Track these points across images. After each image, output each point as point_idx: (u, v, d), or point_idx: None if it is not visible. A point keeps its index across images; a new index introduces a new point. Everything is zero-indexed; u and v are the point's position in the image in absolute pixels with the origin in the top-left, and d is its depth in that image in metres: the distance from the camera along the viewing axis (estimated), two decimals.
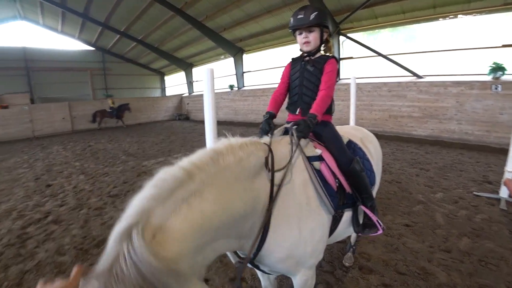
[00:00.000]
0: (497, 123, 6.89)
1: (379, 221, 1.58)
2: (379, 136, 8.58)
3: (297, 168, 1.35)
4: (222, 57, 16.21)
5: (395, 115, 8.96)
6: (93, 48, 20.58)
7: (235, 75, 15.50)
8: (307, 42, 1.66)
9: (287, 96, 1.84)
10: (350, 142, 1.79)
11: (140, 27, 15.41)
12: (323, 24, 1.62)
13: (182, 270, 0.77)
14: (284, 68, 1.85)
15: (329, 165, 1.45)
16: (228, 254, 1.35)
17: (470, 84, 7.38)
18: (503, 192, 3.72)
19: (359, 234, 1.64)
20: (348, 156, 1.54)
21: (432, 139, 7.89)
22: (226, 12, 11.73)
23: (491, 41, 7.64)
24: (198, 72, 19.37)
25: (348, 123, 4.70)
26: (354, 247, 2.58)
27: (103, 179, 5.60)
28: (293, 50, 12.52)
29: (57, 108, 15.09)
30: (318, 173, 1.40)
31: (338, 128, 1.97)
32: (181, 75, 20.95)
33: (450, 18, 8.19)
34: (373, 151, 2.00)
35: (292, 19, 1.65)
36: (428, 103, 8.24)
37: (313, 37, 1.65)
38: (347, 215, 1.54)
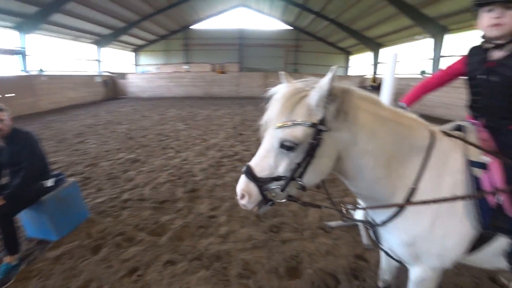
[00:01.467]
0: None
1: None
2: None
3: (452, 166, 1.25)
4: (419, 36, 13.95)
5: None
6: (291, 28, 23.38)
7: (432, 59, 13.13)
8: (498, 25, 1.20)
9: (469, 96, 1.49)
10: None
11: (335, 6, 15.81)
12: None
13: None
14: (461, 58, 1.49)
15: (493, 178, 1.20)
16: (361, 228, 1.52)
17: None
18: None
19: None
20: None
21: None
22: None
23: None
24: (386, 53, 17.82)
25: None
26: None
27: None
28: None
29: (256, 77, 18.63)
30: (476, 181, 1.21)
31: None
32: (366, 56, 20.06)
33: None
34: None
35: None
36: None
37: (510, 17, 1.18)
38: (502, 241, 1.24)
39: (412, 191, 1.21)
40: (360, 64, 21.95)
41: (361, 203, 1.46)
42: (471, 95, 1.48)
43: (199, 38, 24.06)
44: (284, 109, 1.07)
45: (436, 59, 12.87)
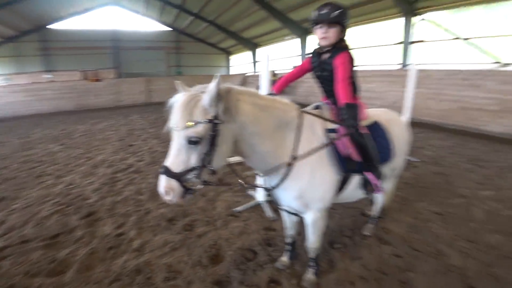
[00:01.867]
0: None
1: (379, 185, 1.93)
2: (443, 129, 8.21)
3: (317, 134, 1.80)
4: (288, 37, 16.27)
5: (466, 106, 8.13)
6: (170, 29, 22.73)
7: (300, 56, 15.56)
8: (325, 37, 1.80)
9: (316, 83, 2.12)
10: (375, 123, 2.07)
11: (212, 8, 16.42)
12: (343, 23, 1.78)
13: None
14: (304, 61, 2.14)
15: (342, 138, 1.80)
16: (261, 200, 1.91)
17: None
18: None
19: (367, 195, 2.03)
20: (358, 132, 1.82)
21: (505, 137, 7.04)
22: None
23: None
24: (262, 52, 19.84)
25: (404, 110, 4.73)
26: (375, 220, 2.87)
27: None
28: (362, 31, 11.99)
29: (137, 83, 17.33)
30: (332, 142, 1.79)
31: (371, 110, 2.26)
32: (246, 55, 21.73)
33: None
34: (396, 133, 2.19)
35: (314, 13, 1.81)
36: (510, 96, 7.28)
37: (332, 33, 1.78)
38: (355, 179, 1.91)
39: (294, 157, 1.68)
40: (241, 63, 23.56)
41: (260, 176, 1.92)
42: (318, 84, 2.10)
43: (62, 41, 19.91)
44: (185, 113, 1.37)
45: (304, 56, 15.34)
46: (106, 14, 21.16)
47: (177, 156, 1.40)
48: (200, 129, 1.36)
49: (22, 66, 19.36)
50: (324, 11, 1.76)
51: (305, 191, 1.75)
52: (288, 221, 2.29)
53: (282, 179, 1.72)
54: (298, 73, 2.21)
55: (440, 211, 3.30)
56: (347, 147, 1.80)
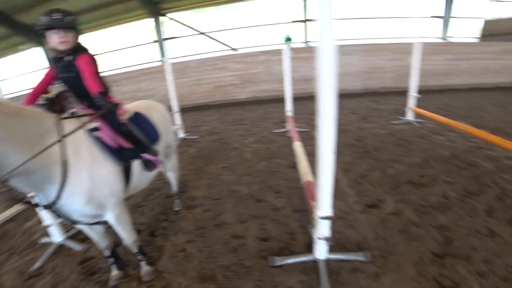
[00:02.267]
0: (293, 79, 9.27)
1: (157, 160, 2.20)
2: (210, 106, 9.91)
3: (80, 137, 1.74)
4: (25, 47, 12.66)
5: (220, 85, 10.26)
6: None
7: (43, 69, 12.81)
8: (64, 42, 1.77)
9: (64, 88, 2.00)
10: (136, 113, 2.25)
11: None
12: (77, 28, 1.82)
13: None
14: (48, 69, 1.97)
15: (106, 132, 1.86)
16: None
17: (272, 53, 9.39)
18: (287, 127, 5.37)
19: (148, 171, 2.18)
20: (118, 123, 1.94)
21: (252, 100, 9.70)
22: None
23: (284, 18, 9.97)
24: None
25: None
26: (178, 195, 3.20)
27: None
28: (117, 32, 11.60)
29: None
30: (98, 138, 1.81)
31: (130, 104, 2.44)
32: None
33: None
34: (157, 116, 2.51)
35: (46, 18, 1.72)
36: (244, 71, 9.92)
37: (70, 37, 1.79)
38: (136, 164, 2.05)
39: (64, 163, 1.58)
40: None
41: (39, 197, 1.65)
42: (67, 88, 1.97)
43: None
44: None
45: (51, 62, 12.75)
46: None
47: None
48: None
49: None
50: (58, 16, 1.71)
51: (91, 192, 1.70)
52: (93, 235, 2.10)
53: (61, 187, 1.57)
54: (45, 82, 1.98)
55: (224, 165, 4.18)
56: (115, 139, 1.89)
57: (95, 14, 10.94)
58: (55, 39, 1.76)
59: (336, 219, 2.30)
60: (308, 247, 2.18)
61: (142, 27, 11.58)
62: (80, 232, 2.90)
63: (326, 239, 1.94)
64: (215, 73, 10.24)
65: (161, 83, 10.83)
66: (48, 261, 2.63)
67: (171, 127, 2.81)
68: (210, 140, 5.66)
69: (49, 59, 1.78)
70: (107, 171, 1.79)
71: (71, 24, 1.76)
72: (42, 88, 1.97)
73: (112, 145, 1.85)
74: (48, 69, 1.96)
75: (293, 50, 8.52)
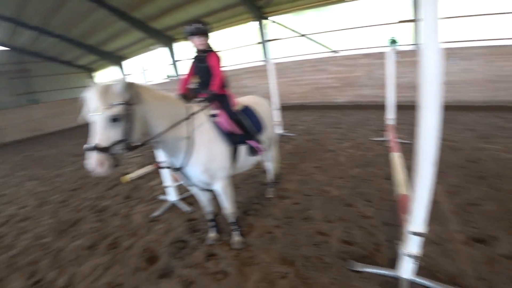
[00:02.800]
0: (398, 85, 8.55)
1: (259, 147, 2.65)
2: (307, 107, 10.14)
3: (203, 120, 2.35)
4: (154, 47, 15.95)
5: (319, 87, 10.36)
6: (7, 49, 18.32)
7: (173, 64, 15.57)
8: (203, 43, 2.47)
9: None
10: (245, 106, 2.79)
11: (59, 21, 14.29)
12: (208, 33, 2.50)
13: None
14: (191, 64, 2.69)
15: (223, 119, 2.43)
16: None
17: (375, 56, 8.95)
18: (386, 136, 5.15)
19: (251, 156, 2.65)
20: (233, 112, 2.53)
21: (350, 104, 9.46)
22: (151, 2, 11.68)
23: (390, 18, 9.26)
24: (132, 64, 18.71)
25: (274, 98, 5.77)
26: (273, 184, 3.64)
27: (57, 180, 5.82)
28: (226, 35, 13.12)
29: None
30: (217, 123, 2.40)
31: (240, 98, 2.98)
32: (112, 70, 19.97)
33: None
34: (262, 110, 2.99)
35: (191, 27, 2.40)
36: (344, 74, 9.74)
37: (205, 40, 2.48)
38: (243, 148, 2.56)
39: (191, 139, 2.20)
40: (108, 79, 21.32)
41: (166, 158, 2.33)
42: (198, 78, 2.63)
43: None
44: (104, 98, 1.71)
45: (175, 64, 15.43)
46: None
47: (103, 134, 1.71)
48: (118, 109, 1.73)
49: None
50: (199, 25, 2.42)
51: (208, 164, 2.25)
52: (203, 199, 2.74)
53: (186, 156, 2.19)
54: (190, 73, 2.69)
55: (318, 165, 4.40)
56: (229, 125, 2.44)
57: (207, 20, 12.58)
58: (196, 42, 2.46)
59: (429, 242, 2.24)
60: (392, 263, 2.11)
61: (247, 30, 12.69)
62: (188, 197, 3.76)
63: (415, 257, 1.84)
64: (314, 74, 10.40)
65: (263, 81, 11.71)
66: (164, 213, 3.51)
67: (272, 122, 3.27)
68: (306, 139, 5.96)
69: (193, 58, 2.61)
70: (220, 149, 2.34)
71: (206, 31, 2.46)
72: (189, 76, 2.70)
73: (226, 129, 2.41)
74: (191, 65, 2.68)
75: (399, 53, 7.78)
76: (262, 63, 12.12)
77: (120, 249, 2.90)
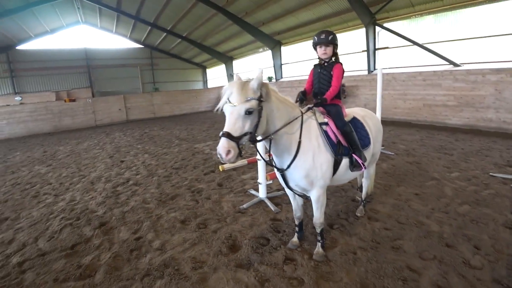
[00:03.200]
0: None
1: (363, 164, 2.48)
2: (412, 125, 9.07)
3: (313, 127, 2.35)
4: (261, 50, 17.01)
5: (429, 104, 9.07)
6: (142, 46, 22.70)
7: (273, 67, 16.26)
8: (324, 53, 2.54)
9: (313, 88, 2.76)
10: (354, 118, 2.70)
11: (185, 25, 16.77)
12: (335, 43, 2.52)
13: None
14: (310, 71, 2.78)
15: (332, 128, 2.39)
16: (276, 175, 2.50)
17: (510, 71, 7.30)
18: None
19: (352, 171, 2.50)
20: (343, 123, 2.47)
21: (466, 128, 7.97)
22: (265, 8, 12.45)
23: None
24: (238, 64, 20.35)
25: (375, 111, 5.33)
26: (364, 202, 3.35)
27: (164, 157, 6.83)
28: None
29: (114, 101, 17.16)
30: (325, 132, 2.37)
31: (349, 109, 2.87)
32: (222, 68, 22.17)
33: (495, 1, 7.88)
34: (371, 125, 2.88)
35: (316, 38, 2.52)
36: (464, 92, 8.26)
37: (329, 50, 2.53)
38: (345, 161, 2.44)
39: (299, 143, 2.21)
40: (217, 76, 23.89)
41: (276, 160, 2.36)
42: (314, 87, 2.70)
43: (31, 61, 18.81)
44: (242, 92, 1.89)
45: (278, 67, 16.07)
46: (76, 33, 20.74)
47: (235, 124, 1.87)
48: (253, 104, 1.90)
49: None
50: (323, 36, 2.49)
51: (310, 170, 2.23)
52: (295, 204, 2.70)
53: (293, 160, 2.21)
54: (310, 80, 2.79)
55: (417, 192, 3.84)
56: (337, 135, 2.38)
57: (316, 26, 12.57)
58: (321, 51, 2.55)
59: None
60: None
61: (352, 37, 12.03)
62: (276, 197, 3.81)
63: None
64: (426, 89, 9.16)
65: (364, 91, 11.04)
66: (251, 207, 3.64)
67: (380, 138, 3.05)
68: (406, 160, 5.32)
69: (314, 65, 2.77)
70: (324, 159, 2.29)
71: (330, 41, 2.47)
72: (310, 81, 2.78)
73: (334, 139, 2.35)
74: (311, 71, 2.77)
75: None
76: (365, 73, 11.41)
77: (208, 230, 3.17)
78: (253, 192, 4.09)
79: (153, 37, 20.51)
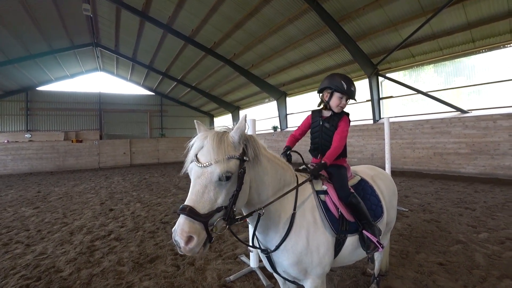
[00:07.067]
0: None
1: (379, 242, 1.81)
2: (423, 175, 8.46)
3: (308, 196, 1.76)
4: (267, 100, 17.43)
5: (440, 152, 8.61)
6: (153, 93, 23.66)
7: (278, 117, 16.40)
8: (341, 106, 2.02)
9: (311, 142, 2.19)
10: (361, 180, 2.11)
11: (194, 75, 17.53)
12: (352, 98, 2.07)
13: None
14: (306, 117, 2.26)
15: (332, 198, 1.78)
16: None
17: None
18: None
19: (367, 253, 1.86)
20: (347, 192, 1.84)
21: (484, 177, 7.36)
22: (270, 61, 12.94)
23: None
24: (244, 114, 20.71)
25: (384, 161, 4.87)
26: (377, 279, 2.66)
27: (156, 208, 6.32)
28: None
29: (120, 144, 17.29)
30: (323, 203, 1.76)
31: (354, 167, 2.34)
32: (229, 117, 22.60)
33: (494, 49, 8.01)
34: (383, 187, 2.25)
35: (342, 83, 1.98)
36: (476, 139, 7.85)
37: (345, 103, 2.03)
38: (351, 239, 1.81)
39: (293, 216, 1.63)
40: (224, 124, 24.15)
41: (259, 238, 1.72)
42: (312, 140, 2.15)
43: (47, 102, 19.63)
44: (216, 148, 1.31)
45: (283, 117, 16.21)
46: (92, 78, 21.93)
47: (204, 195, 1.27)
48: (232, 164, 1.32)
49: (5, 125, 18.34)
50: (352, 88, 2.02)
51: (302, 255, 1.61)
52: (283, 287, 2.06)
53: (282, 240, 1.60)
54: (304, 128, 2.27)
55: (441, 261, 3.17)
56: (339, 207, 1.78)
57: (319, 77, 12.82)
58: (336, 101, 2.02)
59: None
60: None
61: (359, 87, 12.13)
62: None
63: None
64: (435, 137, 8.78)
65: (371, 141, 10.71)
66: (239, 279, 2.99)
67: (395, 202, 2.41)
68: (422, 218, 4.66)
69: (312, 111, 2.17)
70: (322, 239, 1.66)
71: (353, 96, 2.04)
72: (301, 131, 2.27)
73: (334, 213, 1.75)
74: (306, 118, 2.25)
75: None
76: (370, 122, 11.23)
77: None
78: (244, 259, 3.45)
79: (164, 85, 21.43)
